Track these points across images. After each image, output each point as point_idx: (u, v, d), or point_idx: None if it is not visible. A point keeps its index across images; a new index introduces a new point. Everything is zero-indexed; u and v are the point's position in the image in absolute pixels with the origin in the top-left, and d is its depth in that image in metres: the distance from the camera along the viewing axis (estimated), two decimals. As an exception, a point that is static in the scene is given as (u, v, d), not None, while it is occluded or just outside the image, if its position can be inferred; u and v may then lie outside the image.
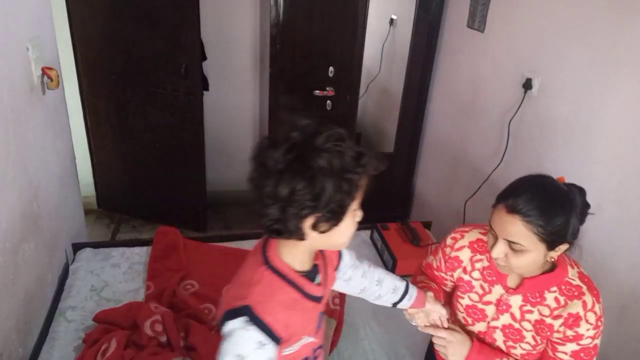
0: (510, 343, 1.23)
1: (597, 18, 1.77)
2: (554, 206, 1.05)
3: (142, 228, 3.24)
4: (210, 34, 3.01)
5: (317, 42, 2.77)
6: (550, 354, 1.19)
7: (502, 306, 1.22)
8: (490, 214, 1.13)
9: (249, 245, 2.32)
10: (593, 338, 1.13)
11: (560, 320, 1.15)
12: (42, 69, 1.82)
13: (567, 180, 1.15)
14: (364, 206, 1.05)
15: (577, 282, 1.17)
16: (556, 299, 1.16)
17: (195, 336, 1.64)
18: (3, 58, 1.51)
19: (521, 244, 1.06)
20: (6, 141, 1.53)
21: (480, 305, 1.26)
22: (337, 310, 1.92)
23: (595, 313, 1.13)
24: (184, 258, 2.15)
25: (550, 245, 1.08)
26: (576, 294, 1.14)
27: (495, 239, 1.11)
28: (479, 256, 1.26)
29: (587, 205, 1.12)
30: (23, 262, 1.65)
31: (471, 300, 1.27)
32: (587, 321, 1.12)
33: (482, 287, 1.25)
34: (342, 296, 2.03)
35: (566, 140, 1.94)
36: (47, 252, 1.91)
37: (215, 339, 1.61)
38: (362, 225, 2.68)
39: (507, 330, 1.23)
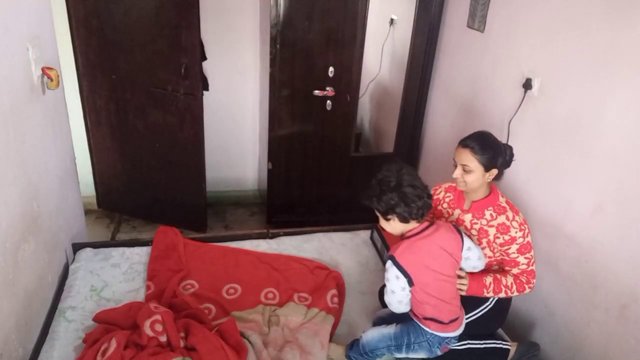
0: None
1: (597, 18, 1.78)
2: (486, 145, 1.76)
3: (142, 228, 3.24)
4: (210, 34, 3.02)
5: (317, 42, 2.77)
6: (507, 257, 1.81)
7: (459, 222, 1.90)
8: (454, 152, 1.81)
9: (249, 245, 2.33)
10: (524, 237, 1.77)
11: (494, 229, 1.80)
12: (42, 69, 1.82)
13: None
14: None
15: (504, 204, 1.83)
16: (490, 214, 1.82)
17: (195, 336, 1.64)
18: (3, 58, 1.51)
19: (469, 166, 1.75)
20: (6, 141, 1.53)
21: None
22: (335, 308, 1.94)
23: (516, 221, 1.78)
24: (184, 258, 2.15)
25: (485, 168, 1.75)
26: (502, 211, 1.81)
27: (455, 166, 1.80)
28: (448, 194, 1.99)
29: (512, 155, 1.81)
30: (23, 262, 1.65)
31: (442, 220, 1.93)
32: (512, 227, 1.77)
33: (447, 212, 1.97)
34: (341, 297, 2.04)
35: (566, 140, 1.95)
36: (47, 252, 1.91)
37: (215, 338, 1.63)
38: (362, 225, 2.70)
39: None
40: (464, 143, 1.79)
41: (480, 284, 1.77)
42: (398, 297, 1.64)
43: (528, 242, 1.79)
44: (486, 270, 1.86)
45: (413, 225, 1.64)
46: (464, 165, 1.77)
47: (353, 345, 1.79)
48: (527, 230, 1.78)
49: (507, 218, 1.79)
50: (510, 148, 1.81)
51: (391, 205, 1.59)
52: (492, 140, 1.80)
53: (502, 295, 1.81)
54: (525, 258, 1.79)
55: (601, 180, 1.79)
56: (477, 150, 1.74)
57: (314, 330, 1.82)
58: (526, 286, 1.81)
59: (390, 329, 1.74)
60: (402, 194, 1.58)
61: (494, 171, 1.78)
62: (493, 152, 1.76)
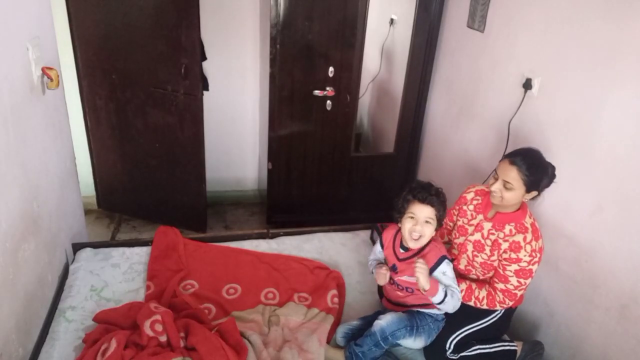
0: (475, 252, 1.88)
1: (597, 18, 1.78)
2: (535, 166, 1.71)
3: (142, 228, 3.24)
4: (210, 34, 3.02)
5: (317, 42, 2.77)
6: (501, 272, 1.79)
7: (478, 228, 1.88)
8: (498, 164, 1.77)
9: (249, 245, 2.33)
10: (529, 263, 1.74)
11: (507, 244, 1.77)
12: (42, 69, 1.82)
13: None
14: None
15: (527, 225, 1.77)
16: (510, 230, 1.79)
17: (195, 336, 1.64)
18: (3, 58, 1.51)
19: (512, 184, 1.70)
20: (6, 141, 1.53)
21: (466, 226, 1.94)
22: (335, 308, 1.95)
23: (531, 246, 1.73)
24: (184, 258, 2.15)
25: (527, 189, 1.72)
26: (522, 230, 1.76)
27: (496, 180, 1.75)
28: (477, 197, 1.95)
29: (554, 176, 1.76)
30: (23, 262, 1.65)
31: (463, 222, 1.96)
32: (524, 249, 1.73)
33: (471, 214, 1.93)
34: (341, 297, 2.04)
35: (566, 140, 1.95)
36: (47, 252, 1.91)
37: (215, 338, 1.63)
38: (362, 225, 2.70)
39: (475, 244, 1.89)
40: (513, 160, 1.71)
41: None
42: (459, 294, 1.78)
43: (531, 270, 1.75)
44: (465, 278, 1.93)
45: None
46: (507, 182, 1.71)
47: (356, 341, 1.76)
48: (536, 259, 1.74)
49: (524, 239, 1.74)
50: (554, 168, 1.76)
51: None
52: (541, 160, 1.74)
53: (470, 303, 1.85)
54: (518, 281, 1.76)
55: (601, 180, 1.79)
56: (525, 171, 1.68)
57: (313, 329, 1.83)
58: (497, 304, 1.80)
59: (399, 314, 1.80)
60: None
61: (534, 193, 1.74)
62: (540, 175, 1.71)
